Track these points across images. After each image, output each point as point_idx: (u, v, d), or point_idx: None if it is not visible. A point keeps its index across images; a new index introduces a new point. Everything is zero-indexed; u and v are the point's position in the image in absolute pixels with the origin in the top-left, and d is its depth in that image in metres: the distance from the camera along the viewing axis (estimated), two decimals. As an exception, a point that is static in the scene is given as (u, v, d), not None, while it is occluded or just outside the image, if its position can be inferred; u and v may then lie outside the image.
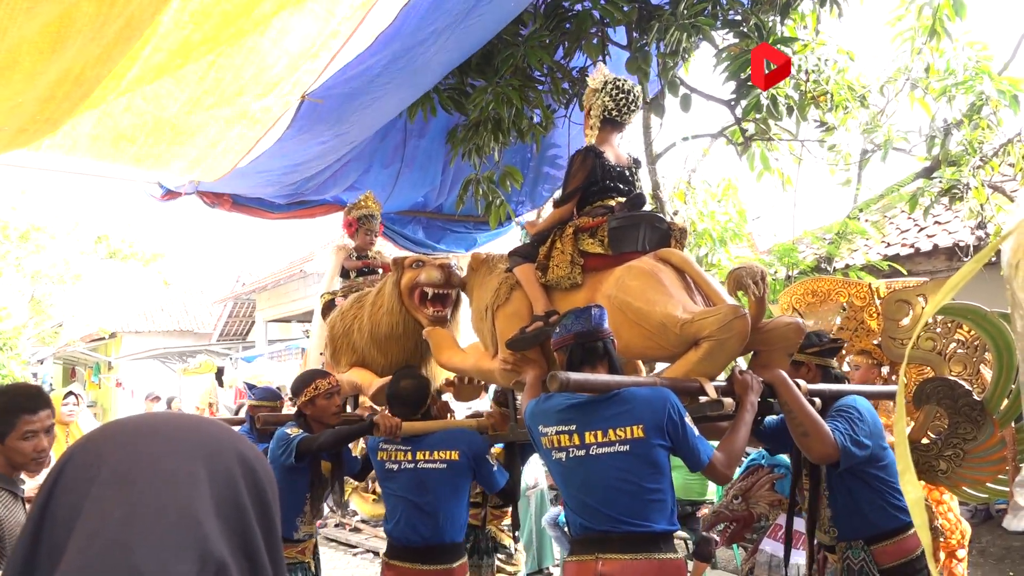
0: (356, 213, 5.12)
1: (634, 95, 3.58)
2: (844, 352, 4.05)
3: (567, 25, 4.53)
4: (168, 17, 2.39)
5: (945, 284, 1.46)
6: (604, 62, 4.76)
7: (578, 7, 4.47)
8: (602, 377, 2.74)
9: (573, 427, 2.75)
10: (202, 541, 0.82)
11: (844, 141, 5.99)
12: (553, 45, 4.62)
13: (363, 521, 9.71)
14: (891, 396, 3.63)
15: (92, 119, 3.07)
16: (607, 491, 2.67)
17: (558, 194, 3.77)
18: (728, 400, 2.91)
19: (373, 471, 4.35)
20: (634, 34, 4.57)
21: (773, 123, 4.74)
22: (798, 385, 3.05)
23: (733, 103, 4.82)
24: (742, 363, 3.38)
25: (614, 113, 3.56)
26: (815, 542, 3.43)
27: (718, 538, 5.44)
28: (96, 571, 0.77)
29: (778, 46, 4.30)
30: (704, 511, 5.99)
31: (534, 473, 6.78)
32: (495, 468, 3.75)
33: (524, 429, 3.21)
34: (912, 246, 8.35)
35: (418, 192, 6.17)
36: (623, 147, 3.69)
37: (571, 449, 2.74)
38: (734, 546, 6.21)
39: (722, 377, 3.13)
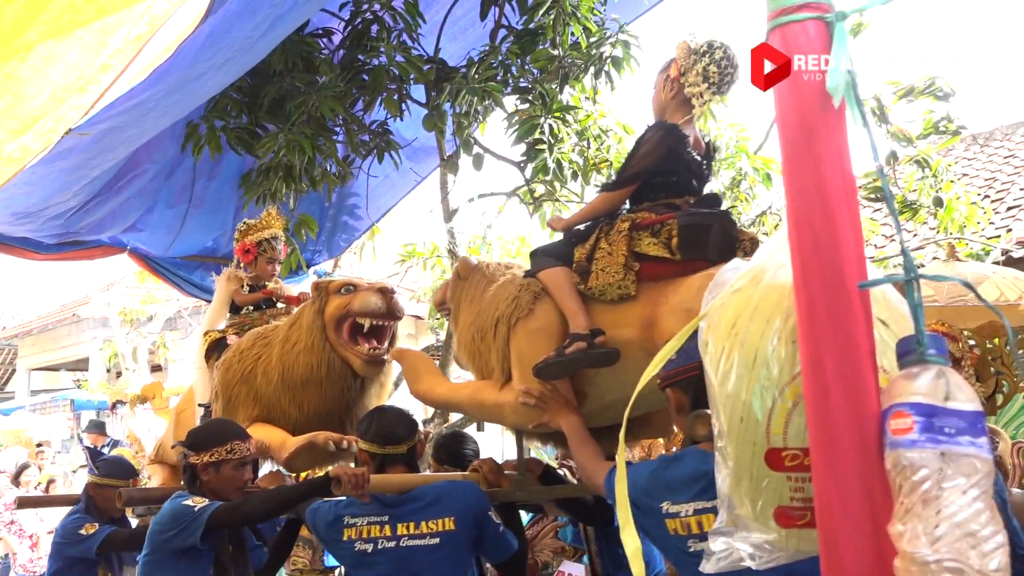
0: (255, 236, 4.27)
1: (739, 70, 2.74)
2: None
3: (364, 78, 4.57)
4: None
5: (657, 355, 1.64)
6: (402, 118, 4.85)
7: (375, 61, 4.53)
8: None
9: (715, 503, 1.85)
10: None
11: (625, 205, 6.43)
12: (348, 97, 4.64)
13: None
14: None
15: None
16: None
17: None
18: None
19: (286, 561, 3.49)
20: (432, 93, 4.70)
21: (560, 186, 5.02)
22: None
23: (523, 164, 5.05)
24: None
25: (714, 87, 2.71)
26: None
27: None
28: None
29: (561, 113, 4.59)
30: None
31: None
32: (501, 528, 2.82)
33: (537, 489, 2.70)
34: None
35: (208, 236, 5.91)
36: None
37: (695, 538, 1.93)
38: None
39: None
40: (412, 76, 4.53)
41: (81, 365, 17.07)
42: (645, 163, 2.72)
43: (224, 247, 5.96)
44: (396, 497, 2.74)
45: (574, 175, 4.99)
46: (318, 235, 5.80)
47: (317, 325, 3.42)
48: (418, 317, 13.07)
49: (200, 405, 3.97)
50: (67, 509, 4.15)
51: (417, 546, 2.66)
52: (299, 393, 3.47)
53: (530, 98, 4.57)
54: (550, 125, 4.49)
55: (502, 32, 4.73)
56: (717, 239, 2.62)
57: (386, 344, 3.47)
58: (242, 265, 4.39)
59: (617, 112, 5.32)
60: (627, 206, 2.85)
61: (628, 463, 1.98)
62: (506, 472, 3.09)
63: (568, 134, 4.71)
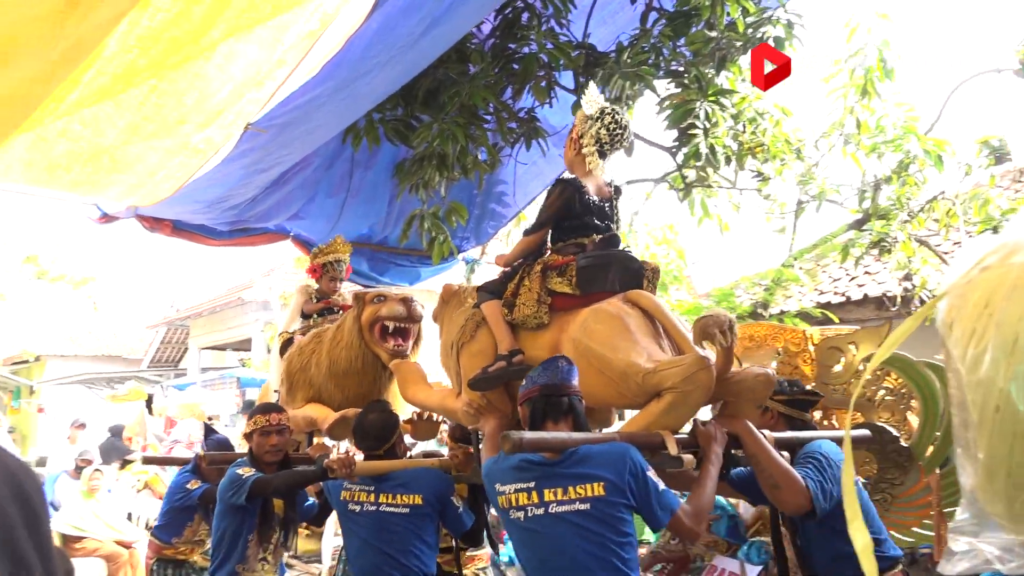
0: (322, 259, 5.13)
1: (628, 129, 3.44)
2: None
3: (514, 66, 4.60)
4: (115, 40, 2.35)
5: (888, 339, 1.51)
6: (551, 104, 4.86)
7: (525, 50, 4.55)
8: (557, 435, 2.64)
9: (532, 484, 2.63)
10: None
11: (780, 191, 6.19)
12: (500, 85, 4.68)
13: (294, 557, 9.46)
14: (863, 441, 3.60)
15: (26, 143, 2.99)
16: (569, 554, 2.53)
17: (511, 228, 3.80)
18: (688, 457, 2.82)
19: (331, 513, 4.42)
20: (581, 79, 4.67)
21: (712, 171, 4.88)
22: (764, 435, 2.95)
23: (674, 150, 4.94)
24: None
25: (606, 146, 3.37)
26: None
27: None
28: None
29: (716, 97, 4.45)
30: (641, 551, 6.00)
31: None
32: (460, 510, 3.61)
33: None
34: (843, 294, 8.62)
35: (364, 223, 6.14)
36: (607, 175, 3.51)
37: (529, 508, 2.62)
38: (667, 587, 6.22)
39: (687, 427, 3.02)
40: (561, 62, 4.53)
41: (245, 345, 18.25)
42: (549, 213, 3.38)
43: (379, 234, 6.19)
44: (383, 475, 3.53)
45: (727, 160, 4.83)
46: (467, 222, 5.90)
47: (355, 328, 4.26)
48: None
49: (275, 391, 5.05)
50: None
51: (391, 512, 3.44)
52: (342, 380, 4.34)
53: (684, 81, 4.45)
54: (705, 109, 4.36)
55: (653, 15, 4.64)
56: (617, 274, 3.24)
57: (410, 342, 4.25)
58: (311, 280, 5.34)
59: (773, 94, 5.11)
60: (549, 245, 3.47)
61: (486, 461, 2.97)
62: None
63: (723, 118, 4.56)
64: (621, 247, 3.47)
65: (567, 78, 4.84)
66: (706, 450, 2.83)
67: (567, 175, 3.52)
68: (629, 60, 4.30)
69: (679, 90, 4.53)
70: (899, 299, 7.28)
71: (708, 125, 4.46)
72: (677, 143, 4.80)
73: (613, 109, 3.39)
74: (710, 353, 2.91)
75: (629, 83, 4.28)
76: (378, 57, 3.20)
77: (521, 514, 2.64)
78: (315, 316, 5.10)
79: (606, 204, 3.43)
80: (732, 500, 4.38)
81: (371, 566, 3.44)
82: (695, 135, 4.47)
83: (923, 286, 6.81)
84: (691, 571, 4.83)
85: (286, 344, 5.00)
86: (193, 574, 5.04)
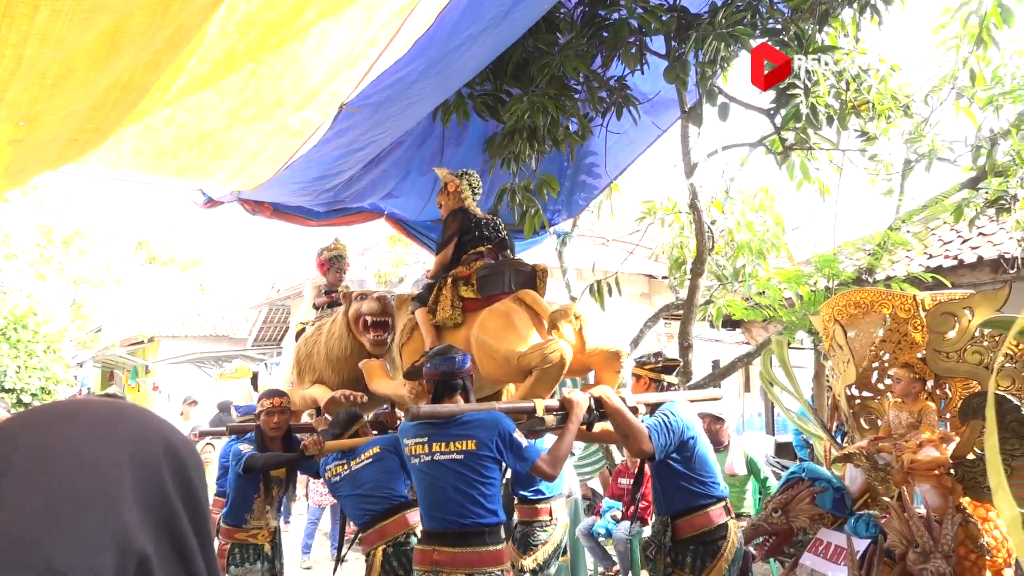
0: (327, 255, 6.07)
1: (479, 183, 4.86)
2: (886, 366, 3.99)
3: (604, 34, 4.51)
4: (214, 27, 2.42)
5: (1015, 323, 1.42)
6: (642, 71, 4.74)
7: (615, 16, 4.45)
8: (444, 407, 3.61)
9: (425, 439, 3.62)
10: (122, 532, 0.79)
11: (886, 151, 5.89)
12: (590, 54, 4.60)
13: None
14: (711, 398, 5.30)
15: (136, 133, 3.12)
16: (446, 491, 3.54)
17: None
18: (549, 417, 3.77)
19: None
20: (672, 43, 4.54)
21: (813, 132, 4.67)
22: (623, 398, 3.96)
23: (772, 112, 4.77)
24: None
25: (476, 192, 4.79)
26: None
27: (756, 552, 5.36)
28: (8, 569, 0.73)
29: (818, 55, 4.25)
30: (742, 523, 5.91)
31: (568, 483, 6.76)
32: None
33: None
34: (955, 258, 8.18)
35: (456, 199, 6.18)
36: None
37: (423, 456, 3.62)
38: (771, 560, 6.11)
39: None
40: (652, 27, 4.41)
41: (343, 323, 18.71)
42: (450, 231, 4.61)
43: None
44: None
45: (829, 120, 4.62)
46: (558, 195, 5.86)
47: (344, 321, 5.17)
48: (652, 276, 12.93)
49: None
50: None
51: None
52: (336, 366, 5.23)
53: (783, 39, 4.27)
54: (805, 68, 4.17)
55: (748, -29, 4.45)
56: (510, 278, 4.32)
57: (387, 333, 5.06)
58: (319, 275, 6.25)
59: (878, 48, 4.85)
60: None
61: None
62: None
63: (824, 76, 4.35)
64: (510, 253, 4.66)
65: (658, 43, 4.71)
66: (568, 411, 3.77)
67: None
68: (724, 20, 4.15)
69: (777, 49, 4.35)
70: (1018, 261, 6.86)
71: (809, 84, 4.27)
72: (775, 104, 4.62)
73: (465, 171, 4.81)
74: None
75: (724, 44, 4.14)
76: (468, 31, 3.19)
77: (417, 460, 3.65)
78: (323, 308, 5.93)
79: (489, 223, 4.64)
80: (838, 472, 4.24)
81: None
82: (795, 95, 4.29)
83: (1046, 247, 6.39)
84: (794, 544, 4.72)
85: (300, 334, 5.83)
86: (262, 562, 4.97)
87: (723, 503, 4.12)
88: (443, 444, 3.56)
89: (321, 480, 5.23)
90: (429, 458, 3.59)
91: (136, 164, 3.63)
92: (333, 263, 6.09)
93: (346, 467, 4.47)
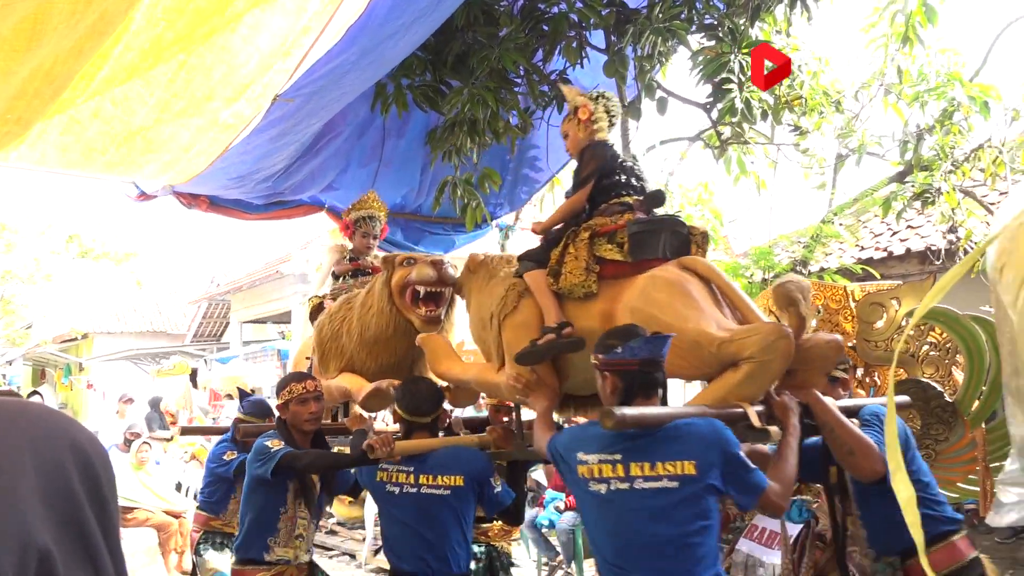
0: (354, 214, 4.88)
1: (618, 106, 3.56)
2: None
3: (544, 27, 4.52)
4: (140, 14, 2.35)
5: (932, 288, 1.47)
6: (582, 65, 4.77)
7: (555, 10, 4.47)
8: (659, 410, 2.54)
9: (618, 457, 2.50)
10: (22, 530, 0.79)
11: (819, 145, 6.05)
12: (530, 47, 4.61)
13: (339, 523, 9.65)
14: (902, 407, 3.45)
15: (60, 126, 3.01)
16: (647, 532, 2.43)
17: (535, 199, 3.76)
18: (774, 429, 2.71)
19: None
20: (612, 38, 4.58)
21: (748, 127, 4.77)
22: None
23: (709, 106, 4.84)
24: None
25: (613, 120, 3.51)
26: (849, 568, 3.14)
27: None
28: None
29: (751, 50, 4.33)
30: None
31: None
32: (498, 490, 3.46)
33: (532, 446, 3.22)
34: (885, 250, 8.45)
35: (397, 192, 6.13)
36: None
37: (613, 481, 2.50)
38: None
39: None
40: (592, 21, 4.43)
41: (284, 318, 18.49)
42: (590, 169, 3.32)
43: (412, 203, 6.18)
44: (421, 455, 3.36)
45: (763, 115, 4.72)
46: (500, 188, 5.86)
47: (385, 292, 4.03)
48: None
49: (307, 358, 4.77)
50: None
51: (432, 494, 3.28)
52: (374, 348, 4.13)
53: (718, 34, 4.34)
54: (740, 62, 4.25)
55: (685, -33, 4.51)
56: (667, 241, 3.10)
57: (442, 307, 4.01)
58: (344, 239, 5.04)
59: (811, 45, 4.97)
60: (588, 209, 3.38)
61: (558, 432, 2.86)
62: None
63: (758, 71, 4.44)
64: (666, 206, 3.43)
65: (598, 37, 4.75)
66: (784, 422, 2.71)
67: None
68: (661, 15, 4.20)
69: (712, 44, 4.42)
70: (943, 252, 7.12)
71: (743, 79, 4.35)
72: (711, 99, 4.70)
73: (602, 93, 3.51)
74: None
75: (661, 39, 4.19)
76: (402, 19, 3.16)
77: (603, 486, 2.51)
78: (346, 277, 4.85)
79: (635, 165, 3.44)
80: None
81: (409, 552, 3.28)
82: (730, 90, 4.37)
83: (968, 238, 6.64)
84: (731, 531, 4.83)
85: (317, 309, 4.76)
86: None
87: (965, 530, 2.94)
88: (647, 465, 2.46)
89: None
90: (627, 486, 2.47)
91: (62, 161, 3.51)
92: (360, 225, 4.86)
93: (412, 480, 3.32)
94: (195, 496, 10.55)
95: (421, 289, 3.90)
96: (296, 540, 3.61)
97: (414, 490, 3.29)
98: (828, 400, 2.86)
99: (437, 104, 4.83)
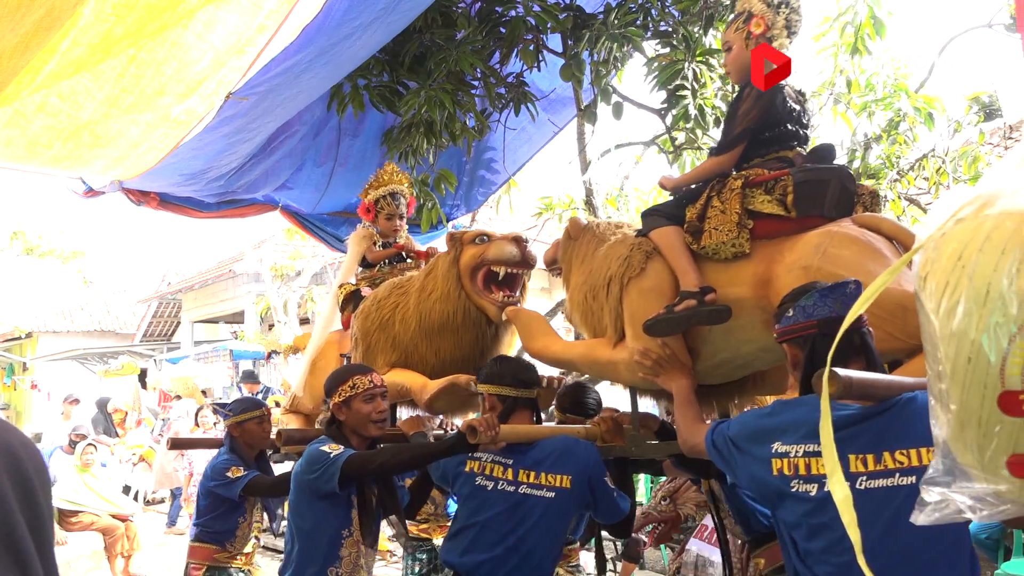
0: (373, 194, 4.35)
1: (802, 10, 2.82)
2: None
3: (501, 30, 4.54)
4: (89, 9, 2.31)
5: (862, 296, 1.52)
6: (539, 68, 4.80)
7: (512, 13, 4.49)
8: (893, 378, 2.01)
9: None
10: None
11: (770, 152, 6.15)
12: (487, 50, 4.63)
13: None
14: None
15: (3, 119, 2.94)
16: (902, 538, 1.84)
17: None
18: None
19: (425, 503, 3.65)
20: (568, 42, 4.61)
21: (702, 133, 4.84)
22: None
23: (663, 112, 4.91)
24: None
25: (795, 34, 2.80)
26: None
27: (646, 539, 5.52)
28: None
29: (705, 57, 4.40)
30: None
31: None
32: (616, 493, 2.90)
33: (658, 441, 2.86)
34: (834, 255, 8.62)
35: (352, 192, 6.08)
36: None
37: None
38: (662, 547, 6.32)
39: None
40: (549, 25, 4.46)
41: (237, 318, 18.24)
42: (748, 120, 2.71)
43: (366, 203, 6.15)
44: (522, 445, 2.80)
45: (716, 121, 4.80)
46: (456, 189, 5.86)
47: (452, 274, 3.48)
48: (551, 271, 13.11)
49: (342, 355, 4.16)
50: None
51: (533, 495, 2.75)
52: (436, 339, 3.54)
53: (673, 42, 4.41)
54: (693, 70, 4.32)
55: (641, -25, 4.57)
56: (835, 195, 2.60)
57: (518, 292, 3.51)
58: (368, 224, 4.50)
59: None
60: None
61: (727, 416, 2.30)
62: (624, 426, 3.10)
63: (712, 79, 4.52)
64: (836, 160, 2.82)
65: (555, 41, 4.78)
66: None
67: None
68: (617, 21, 4.24)
69: (667, 51, 4.49)
70: (889, 259, 7.29)
71: (696, 86, 4.42)
72: (666, 105, 4.76)
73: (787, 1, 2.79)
74: None
75: (617, 45, 4.24)
76: (359, 20, 3.15)
77: (813, 486, 1.95)
78: (382, 265, 4.34)
79: (802, 108, 2.84)
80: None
81: (490, 560, 2.71)
82: (684, 96, 4.43)
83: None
84: (682, 531, 4.90)
85: (350, 298, 4.21)
86: None
87: None
88: (871, 459, 1.91)
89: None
90: (881, 482, 1.91)
91: (6, 154, 3.42)
92: (381, 206, 4.32)
93: (511, 475, 2.77)
94: (145, 500, 10.39)
95: (500, 270, 3.39)
96: (360, 571, 2.92)
97: (511, 488, 2.75)
98: None
99: (394, 105, 4.82)
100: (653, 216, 2.86)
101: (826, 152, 2.76)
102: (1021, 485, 1.23)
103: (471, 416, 3.49)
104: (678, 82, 4.39)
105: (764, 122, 2.71)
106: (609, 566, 4.20)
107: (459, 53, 4.30)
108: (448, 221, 6.23)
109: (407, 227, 4.57)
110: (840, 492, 1.31)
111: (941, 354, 1.30)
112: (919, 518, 1.34)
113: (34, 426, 17.19)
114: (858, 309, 1.48)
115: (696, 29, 4.44)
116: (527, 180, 7.34)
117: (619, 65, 4.73)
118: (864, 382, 1.85)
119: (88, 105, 2.95)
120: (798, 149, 2.77)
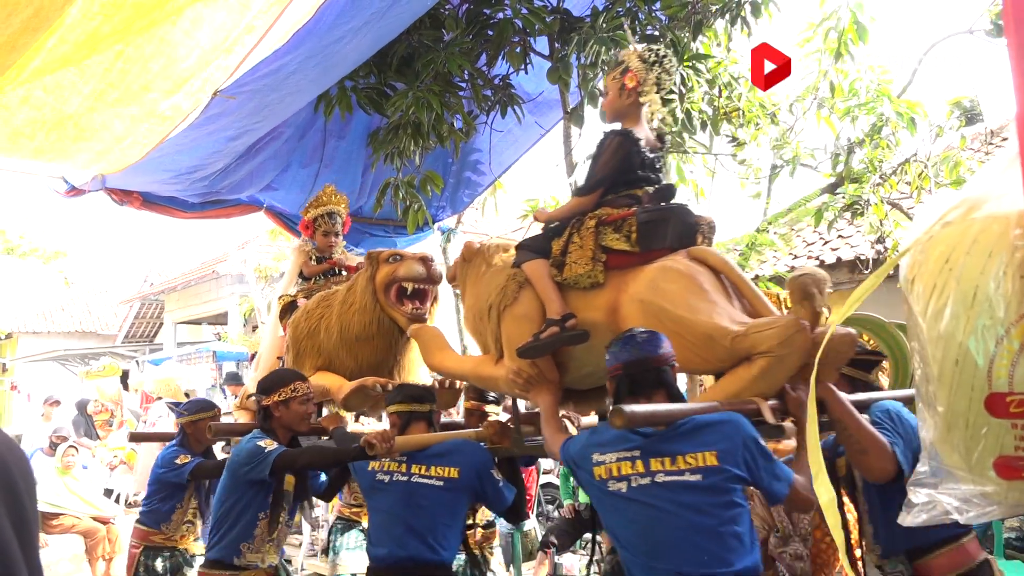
0: (312, 212, 4.79)
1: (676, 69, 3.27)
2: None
3: (489, 33, 4.55)
4: (76, 8, 2.29)
5: (850, 296, 1.53)
6: (526, 71, 4.81)
7: (500, 15, 4.50)
8: (671, 407, 2.48)
9: (636, 453, 2.47)
10: None
11: (755, 156, 6.20)
12: (475, 52, 4.63)
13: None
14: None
15: (-14, 110, 2.92)
16: (675, 525, 2.37)
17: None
18: (789, 426, 2.64)
19: (343, 488, 4.31)
20: (556, 45, 4.63)
21: (688, 136, 4.87)
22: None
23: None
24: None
25: (665, 91, 3.21)
26: (860, 563, 3.03)
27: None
28: None
29: (692, 62, 4.43)
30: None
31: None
32: (501, 484, 3.32)
33: (533, 442, 3.27)
34: (817, 258, 8.70)
35: (337, 194, 6.09)
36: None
37: (634, 477, 2.45)
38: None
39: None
40: (536, 28, 4.47)
41: (220, 319, 18.12)
42: (607, 170, 3.12)
43: (353, 204, 6.12)
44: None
45: (703, 125, 4.83)
46: (442, 191, 5.86)
47: (369, 289, 3.95)
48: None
49: (279, 358, 4.62)
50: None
51: (424, 484, 3.19)
52: (355, 347, 4.02)
53: (660, 46, 4.43)
54: (680, 74, 4.34)
55: (628, -22, 4.59)
56: (676, 229, 3.01)
57: (428, 304, 3.98)
58: (307, 240, 4.90)
59: (748, 58, 5.10)
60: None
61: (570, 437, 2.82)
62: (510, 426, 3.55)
63: (698, 83, 4.54)
64: (675, 199, 3.22)
65: (542, 44, 4.79)
66: (800, 418, 2.58)
67: (616, 127, 3.19)
68: (604, 25, 4.26)
69: (654, 55, 4.50)
70: (872, 262, 7.37)
71: (683, 90, 4.44)
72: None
73: (666, 52, 3.23)
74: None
75: (604, 48, 4.25)
76: (350, 24, 3.15)
77: (623, 484, 2.46)
78: (317, 278, 4.77)
79: (655, 156, 3.23)
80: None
81: (393, 540, 3.14)
82: (671, 100, 4.45)
83: (895, 248, 6.88)
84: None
85: (287, 308, 4.66)
86: (186, 565, 4.65)
87: (974, 534, 2.78)
88: (667, 460, 2.43)
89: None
90: (647, 481, 2.43)
91: (-13, 146, 3.39)
92: (319, 223, 4.75)
93: (404, 468, 3.24)
94: (126, 502, 10.29)
95: (408, 286, 3.87)
96: (267, 545, 3.51)
97: (404, 479, 3.19)
98: (842, 395, 2.72)
99: (381, 106, 4.81)
100: (524, 250, 3.26)
101: (667, 192, 3.19)
102: (1008, 487, 1.24)
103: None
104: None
105: (620, 170, 3.11)
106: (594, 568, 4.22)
107: (447, 54, 4.31)
108: (434, 223, 6.23)
109: (344, 243, 4.98)
110: (825, 495, 1.32)
111: (929, 356, 1.31)
112: (906, 520, 1.35)
113: (14, 428, 16.98)
114: (846, 311, 1.50)
115: (684, 34, 4.46)
116: (513, 182, 7.35)
117: (606, 68, 4.75)
118: (645, 414, 2.40)
119: (73, 99, 2.93)
120: (647, 188, 3.16)
